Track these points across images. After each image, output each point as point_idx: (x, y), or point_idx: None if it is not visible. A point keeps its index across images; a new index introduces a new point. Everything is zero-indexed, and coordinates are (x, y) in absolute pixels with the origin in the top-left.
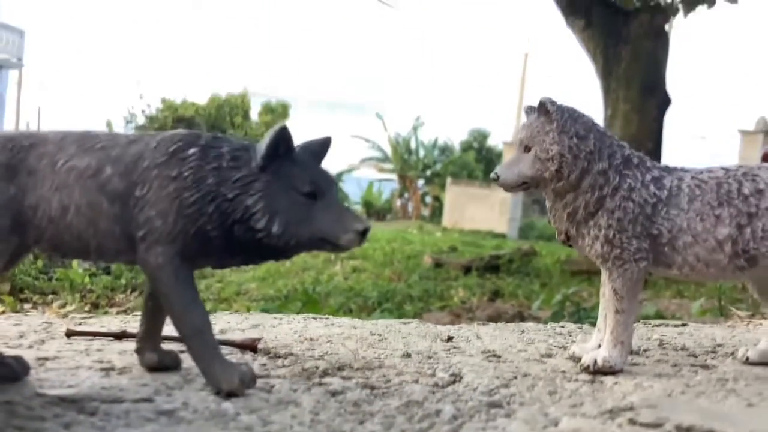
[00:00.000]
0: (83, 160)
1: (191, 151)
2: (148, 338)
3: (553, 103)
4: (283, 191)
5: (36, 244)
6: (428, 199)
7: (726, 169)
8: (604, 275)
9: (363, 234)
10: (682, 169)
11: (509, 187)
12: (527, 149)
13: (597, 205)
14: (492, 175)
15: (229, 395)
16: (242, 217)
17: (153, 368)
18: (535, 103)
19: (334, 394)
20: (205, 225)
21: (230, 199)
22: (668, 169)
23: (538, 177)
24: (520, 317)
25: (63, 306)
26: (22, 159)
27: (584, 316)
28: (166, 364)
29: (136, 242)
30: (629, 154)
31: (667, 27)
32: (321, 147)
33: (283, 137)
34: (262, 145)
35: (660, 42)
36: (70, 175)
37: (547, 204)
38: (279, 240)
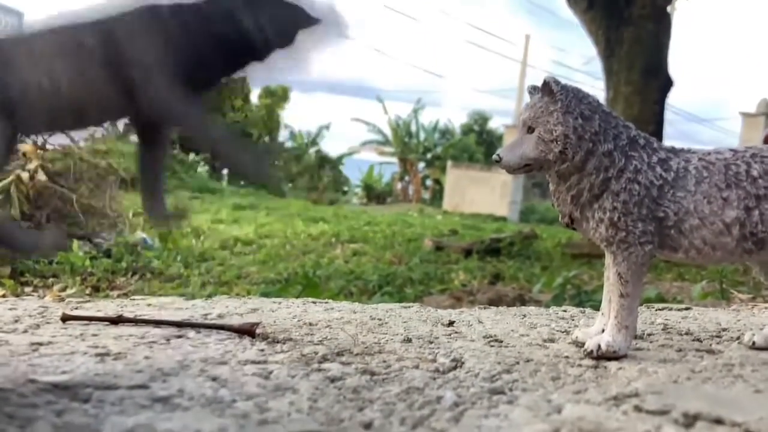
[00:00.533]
0: (59, 39)
1: None
2: (152, 197)
3: (557, 82)
4: None
5: (29, 127)
6: (429, 182)
7: (734, 151)
8: (609, 259)
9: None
10: (689, 151)
11: (512, 170)
12: (530, 130)
13: (602, 188)
14: (494, 156)
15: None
16: (233, 21)
17: (165, 220)
18: (539, 83)
19: (333, 380)
20: (195, 49)
21: (217, 13)
22: (675, 151)
23: (542, 158)
24: (521, 300)
25: (63, 289)
26: None
27: (585, 299)
28: (179, 215)
29: (134, 91)
30: (635, 135)
31: (669, 9)
32: None
33: None
34: None
35: (662, 24)
36: (50, 56)
37: (551, 186)
38: (266, 37)
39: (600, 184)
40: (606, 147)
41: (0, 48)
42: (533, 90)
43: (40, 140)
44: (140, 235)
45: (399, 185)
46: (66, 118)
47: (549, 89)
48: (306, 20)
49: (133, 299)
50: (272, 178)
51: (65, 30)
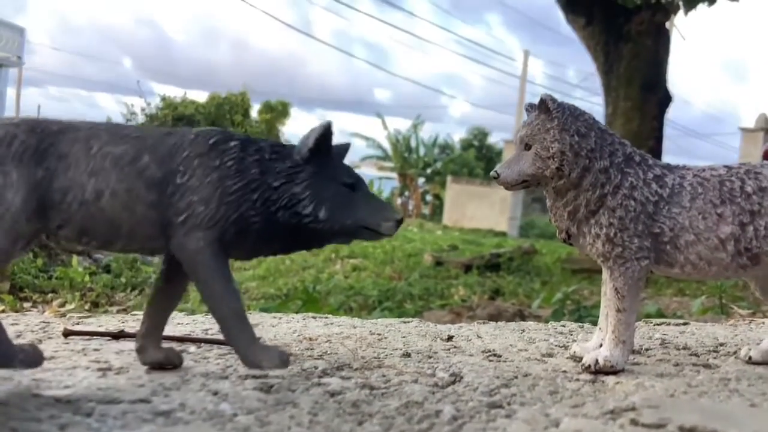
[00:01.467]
0: (119, 147)
1: (232, 143)
2: (151, 335)
3: (554, 100)
4: (327, 181)
5: (60, 228)
6: (428, 198)
7: (728, 167)
8: (606, 274)
9: (399, 223)
10: (684, 167)
11: (509, 186)
12: (528, 147)
13: (598, 204)
14: (492, 173)
15: (270, 370)
16: (288, 203)
17: (155, 366)
18: (536, 101)
19: (333, 394)
20: (247, 211)
21: (275, 188)
22: (670, 167)
23: (539, 175)
24: (521, 316)
25: (63, 305)
26: (51, 143)
27: (585, 314)
28: (170, 362)
29: (171, 228)
30: (631, 152)
31: (667, 24)
32: (345, 150)
33: (328, 132)
34: (310, 139)
35: (661, 40)
36: (105, 160)
37: (548, 202)
38: (324, 225)
39: (596, 200)
40: (602, 164)
41: (62, 138)
42: (530, 108)
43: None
44: None
45: (399, 200)
46: (96, 233)
47: (546, 107)
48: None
49: (134, 314)
50: (260, 368)
51: (126, 138)
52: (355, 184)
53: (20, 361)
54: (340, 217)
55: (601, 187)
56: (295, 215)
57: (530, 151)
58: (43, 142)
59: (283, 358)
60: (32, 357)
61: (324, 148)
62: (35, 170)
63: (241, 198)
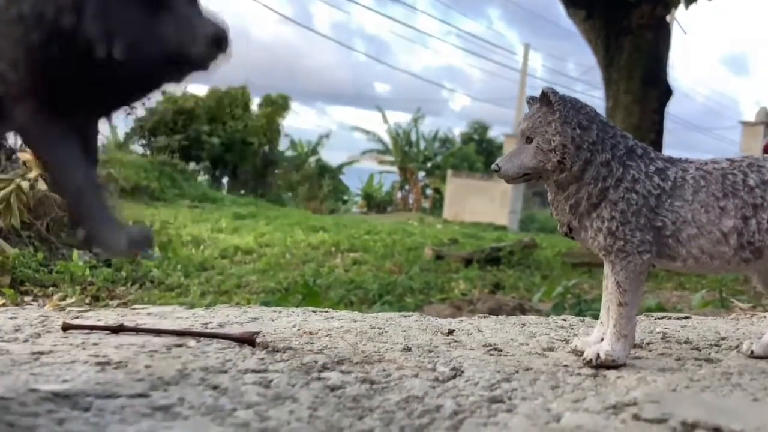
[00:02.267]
0: None
1: None
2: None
3: (555, 93)
4: (119, 5)
5: None
6: (429, 192)
7: (731, 160)
8: (607, 268)
9: (218, 43)
10: (687, 160)
11: (510, 179)
12: (529, 140)
13: (600, 197)
14: (493, 166)
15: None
16: (85, 47)
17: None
18: (537, 94)
19: (333, 389)
20: (52, 68)
21: (69, 28)
22: (672, 160)
23: (540, 168)
24: (521, 309)
25: (63, 298)
26: None
27: (585, 308)
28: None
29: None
30: (633, 144)
31: (668, 18)
32: None
33: None
34: None
35: (661, 33)
36: None
37: (549, 196)
38: (128, 68)
39: (598, 193)
40: (604, 157)
41: None
42: (531, 100)
43: None
44: None
45: (399, 194)
46: None
47: (547, 100)
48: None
49: (134, 308)
50: (118, 253)
51: None
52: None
53: None
54: (143, 50)
55: (603, 180)
56: (95, 59)
57: (531, 144)
58: None
59: (135, 238)
60: None
61: None
62: None
63: (45, 49)
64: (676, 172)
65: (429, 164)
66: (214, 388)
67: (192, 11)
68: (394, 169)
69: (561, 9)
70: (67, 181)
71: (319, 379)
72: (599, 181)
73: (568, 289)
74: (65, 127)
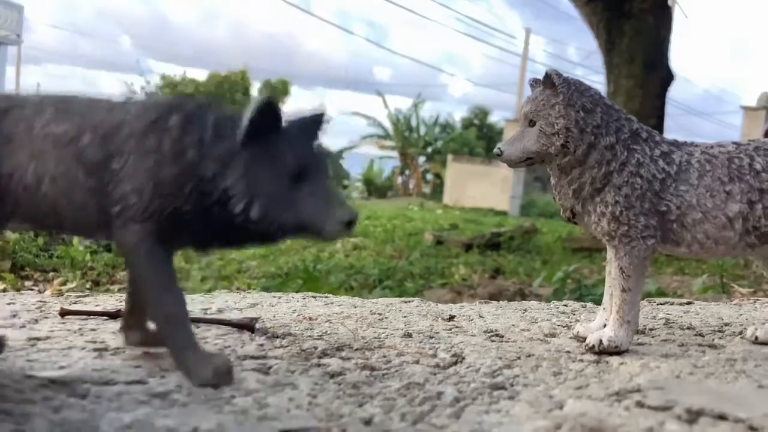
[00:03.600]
0: (61, 125)
1: (173, 120)
2: (133, 316)
3: (559, 75)
4: (265, 171)
5: (12, 215)
6: (429, 177)
7: (737, 144)
8: (611, 253)
9: (349, 225)
10: (692, 144)
11: (513, 163)
12: (532, 123)
13: (604, 181)
14: (495, 150)
15: (204, 386)
16: (220, 198)
17: (138, 346)
18: (540, 77)
19: (332, 375)
20: (182, 206)
21: (209, 179)
22: (677, 144)
23: (543, 152)
24: (522, 294)
25: (64, 283)
26: None
27: (586, 293)
28: (152, 343)
29: (111, 219)
30: (637, 128)
31: (670, 2)
32: (313, 122)
33: (267, 109)
34: (245, 118)
35: (663, 17)
36: (46, 141)
37: (552, 180)
38: (258, 226)
39: (602, 177)
40: (608, 140)
41: (7, 118)
42: (535, 83)
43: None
44: None
45: (399, 179)
46: (43, 220)
47: (551, 82)
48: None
49: None
50: (191, 379)
51: (71, 113)
52: (304, 174)
53: None
54: (277, 216)
55: (607, 164)
56: (228, 213)
57: (534, 127)
58: None
59: (218, 372)
60: None
61: (264, 129)
62: None
63: (176, 190)
64: (681, 156)
65: (429, 149)
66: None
67: (330, 193)
68: (395, 154)
69: None
70: (159, 305)
71: (318, 365)
72: (603, 165)
73: (568, 274)
74: (167, 256)
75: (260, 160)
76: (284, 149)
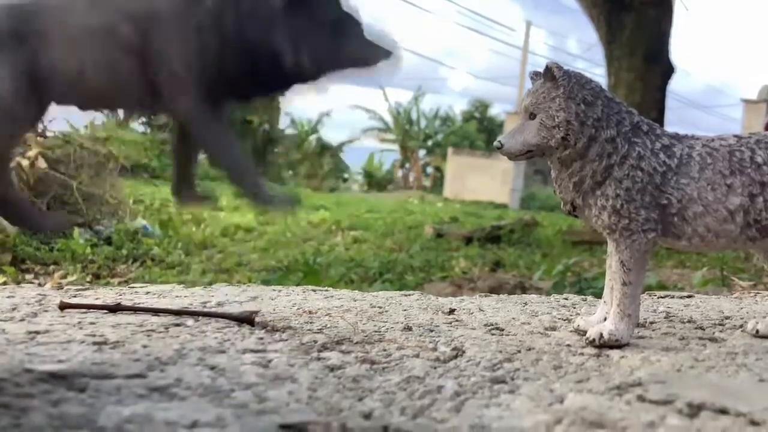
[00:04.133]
0: (95, 18)
1: None
2: (183, 180)
3: (559, 68)
4: (308, 23)
5: (58, 101)
6: (429, 170)
7: (738, 137)
8: (611, 246)
9: (390, 56)
10: (693, 137)
11: (513, 156)
12: (532, 116)
13: (604, 174)
14: (495, 143)
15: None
16: (270, 55)
17: (194, 203)
18: (539, 70)
19: (332, 369)
20: (228, 68)
21: (252, 39)
22: (678, 137)
23: (544, 145)
24: (522, 288)
25: (64, 276)
26: (29, 23)
27: (586, 286)
28: (207, 198)
29: (159, 92)
30: (638, 121)
31: None
32: None
33: None
34: None
35: (664, 10)
36: (84, 33)
37: (552, 173)
38: (310, 72)
39: (603, 170)
40: (609, 133)
41: (38, 17)
42: (535, 76)
43: (40, 127)
44: (141, 222)
45: (400, 172)
46: (91, 100)
47: (551, 75)
48: (366, 62)
49: (132, 287)
50: (276, 207)
51: (102, 9)
52: (341, 19)
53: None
54: (325, 61)
55: (608, 157)
56: (278, 65)
57: (535, 120)
58: (21, 24)
59: (292, 200)
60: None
61: None
62: (19, 53)
63: (220, 54)
64: (683, 149)
65: (430, 142)
66: (212, 368)
67: (367, 37)
68: (395, 147)
69: None
70: (228, 159)
71: (318, 359)
72: (604, 158)
73: (568, 267)
74: (221, 114)
75: (301, 14)
76: (317, 2)
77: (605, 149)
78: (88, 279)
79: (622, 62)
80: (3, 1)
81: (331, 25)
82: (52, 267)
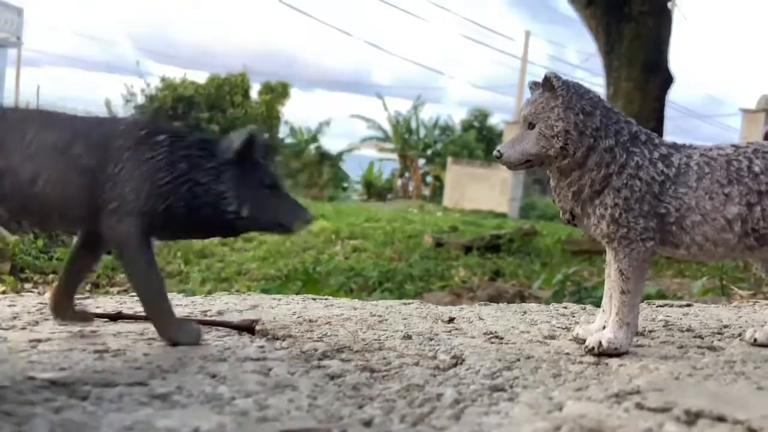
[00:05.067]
0: (52, 135)
1: (161, 137)
2: (66, 298)
3: (558, 78)
4: (249, 181)
5: None
6: (429, 179)
7: (736, 146)
8: (610, 255)
9: (309, 222)
10: (691, 146)
11: (512, 165)
12: (531, 126)
13: (603, 183)
14: (495, 152)
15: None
16: (214, 200)
17: (66, 320)
18: (538, 79)
19: (332, 377)
20: (174, 204)
21: (202, 184)
22: (676, 146)
23: (543, 154)
24: (521, 297)
25: None
26: None
27: (585, 295)
28: (81, 318)
29: (101, 212)
30: (636, 130)
31: (669, 5)
32: (267, 146)
33: (253, 139)
34: (235, 143)
35: (662, 20)
36: (40, 147)
37: (552, 182)
38: (245, 222)
39: (601, 180)
40: (607, 143)
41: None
42: (534, 86)
43: None
44: None
45: (399, 182)
46: (30, 215)
47: (550, 85)
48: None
49: (132, 295)
50: (177, 343)
51: (58, 124)
52: (274, 185)
53: None
54: (259, 214)
55: (606, 166)
56: (220, 212)
57: (534, 130)
58: None
59: (196, 334)
60: None
61: (248, 151)
62: None
63: (170, 191)
64: (681, 158)
65: (429, 152)
66: (213, 376)
67: (293, 200)
68: (394, 156)
69: None
70: (144, 286)
71: (319, 367)
72: (602, 167)
73: (567, 277)
74: (150, 245)
75: (245, 173)
76: (259, 166)
77: (604, 159)
78: (87, 288)
79: (621, 72)
80: None
81: (268, 186)
82: (51, 276)
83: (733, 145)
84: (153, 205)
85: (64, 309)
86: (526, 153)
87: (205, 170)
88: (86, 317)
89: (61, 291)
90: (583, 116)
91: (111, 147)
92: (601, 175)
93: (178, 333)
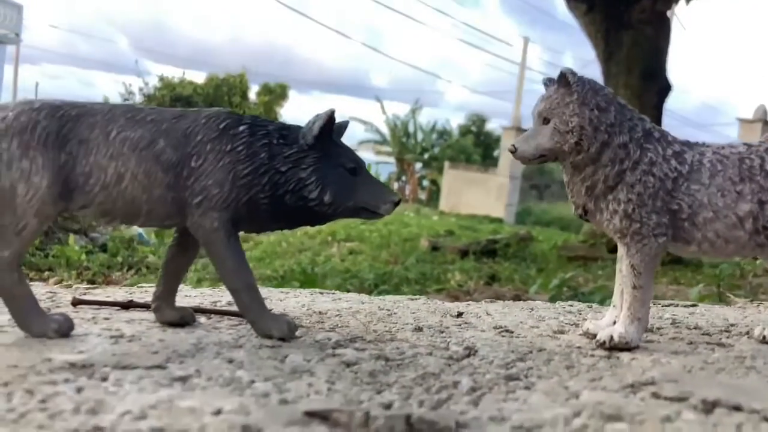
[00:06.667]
0: (136, 131)
1: (241, 128)
2: (167, 297)
3: (574, 74)
4: (330, 166)
5: (84, 208)
6: (426, 183)
7: (748, 145)
8: (622, 250)
9: (396, 204)
10: (704, 144)
11: (527, 160)
12: (546, 121)
13: (617, 179)
14: (509, 147)
15: (281, 339)
16: (295, 187)
17: (171, 324)
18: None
19: (348, 364)
20: (257, 194)
21: (283, 172)
22: (689, 144)
23: (557, 149)
24: (518, 301)
25: (59, 282)
26: (72, 128)
27: (583, 300)
28: (185, 320)
29: (187, 208)
30: (650, 127)
31: (669, 13)
32: (344, 127)
33: (332, 120)
34: (314, 126)
35: (661, 28)
36: (124, 145)
37: (565, 178)
38: (328, 208)
39: (615, 175)
40: (621, 139)
41: (82, 123)
42: (549, 82)
43: None
44: (136, 230)
45: (396, 185)
46: (117, 213)
47: (565, 81)
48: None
49: (141, 286)
50: (271, 336)
51: (141, 122)
52: (356, 168)
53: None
54: (343, 200)
55: (620, 162)
56: (302, 198)
57: (548, 125)
58: (64, 127)
59: (291, 327)
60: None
61: (327, 134)
62: (59, 155)
63: (252, 182)
64: (693, 155)
65: (426, 156)
66: (230, 361)
67: (377, 182)
68: (392, 160)
69: (560, 1)
70: (234, 279)
71: (334, 355)
72: (616, 163)
73: (564, 282)
74: (237, 237)
75: (325, 157)
76: (341, 150)
77: (618, 154)
78: (83, 285)
79: (618, 79)
80: (49, 101)
81: (349, 171)
82: (47, 273)
83: (745, 144)
84: (236, 197)
85: (165, 308)
86: (541, 148)
87: (285, 158)
88: (186, 314)
89: (161, 291)
90: (598, 112)
91: (192, 141)
92: (614, 170)
93: (272, 326)
